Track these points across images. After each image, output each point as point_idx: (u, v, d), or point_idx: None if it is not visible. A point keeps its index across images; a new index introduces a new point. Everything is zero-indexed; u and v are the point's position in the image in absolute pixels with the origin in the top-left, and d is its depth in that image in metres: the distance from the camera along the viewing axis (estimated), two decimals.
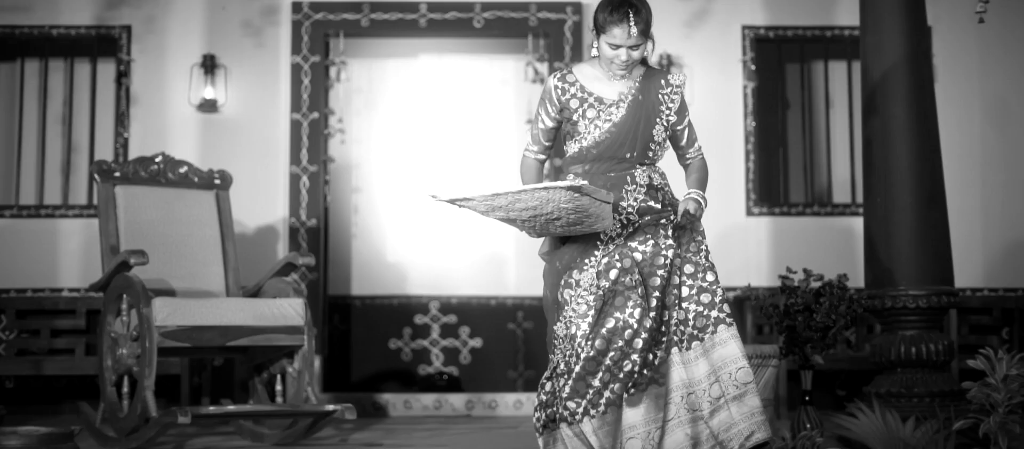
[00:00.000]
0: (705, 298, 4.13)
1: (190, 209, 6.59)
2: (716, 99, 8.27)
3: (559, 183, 3.79)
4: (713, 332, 4.12)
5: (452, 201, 3.88)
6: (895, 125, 5.55)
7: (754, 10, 8.37)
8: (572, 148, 4.21)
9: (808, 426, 5.37)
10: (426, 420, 7.63)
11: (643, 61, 4.22)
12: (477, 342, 8.77)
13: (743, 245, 8.13)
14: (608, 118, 4.14)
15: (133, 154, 7.94)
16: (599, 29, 4.09)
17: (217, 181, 6.77)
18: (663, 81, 4.21)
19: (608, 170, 4.16)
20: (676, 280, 4.12)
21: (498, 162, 8.82)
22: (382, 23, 8.35)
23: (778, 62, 8.53)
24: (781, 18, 8.37)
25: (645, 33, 4.07)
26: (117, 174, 6.45)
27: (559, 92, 4.19)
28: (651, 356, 4.05)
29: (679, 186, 4.39)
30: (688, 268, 4.14)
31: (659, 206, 4.17)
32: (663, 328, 4.09)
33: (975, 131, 8.34)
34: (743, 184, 8.23)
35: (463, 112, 8.91)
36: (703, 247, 4.20)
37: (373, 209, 8.85)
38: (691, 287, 4.13)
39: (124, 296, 5.93)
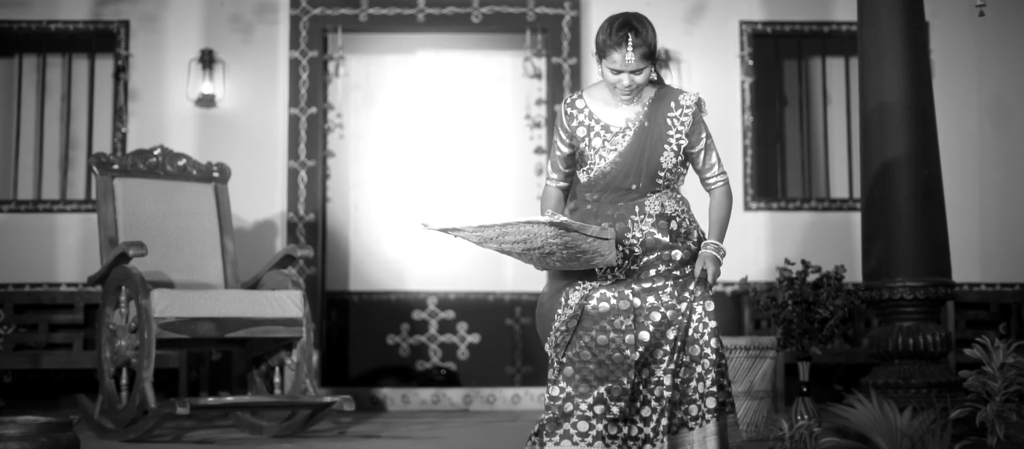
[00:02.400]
0: (701, 388, 3.83)
1: (188, 202, 6.60)
2: (714, 94, 8.27)
3: (540, 218, 3.61)
4: (703, 424, 3.83)
5: (444, 230, 3.73)
6: (892, 117, 5.56)
7: (752, 6, 8.38)
8: (582, 177, 3.97)
9: (805, 417, 5.38)
10: (424, 414, 7.63)
11: (658, 80, 3.96)
12: (475, 338, 8.77)
13: (741, 239, 8.14)
14: (613, 147, 3.88)
15: (131, 149, 7.94)
16: (600, 53, 3.83)
17: (215, 174, 6.78)
18: (673, 103, 3.90)
19: (616, 200, 3.91)
20: (678, 358, 3.82)
21: (496, 159, 8.82)
22: (380, 18, 8.36)
23: (775, 58, 8.54)
24: (779, 14, 8.38)
25: (648, 57, 3.79)
26: (115, 166, 6.46)
27: (568, 119, 3.95)
28: (635, 414, 3.79)
29: (700, 202, 4.11)
30: (694, 350, 3.83)
31: (667, 238, 3.88)
32: (643, 401, 3.80)
33: (973, 128, 8.35)
34: (741, 179, 8.24)
35: (461, 108, 8.91)
36: (711, 328, 3.85)
37: (371, 205, 8.85)
38: (691, 369, 3.83)
39: (123, 288, 5.94)
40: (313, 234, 8.16)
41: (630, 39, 3.75)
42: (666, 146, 3.88)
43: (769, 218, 8.27)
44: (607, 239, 3.71)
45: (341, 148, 8.71)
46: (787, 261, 5.81)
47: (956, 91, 8.33)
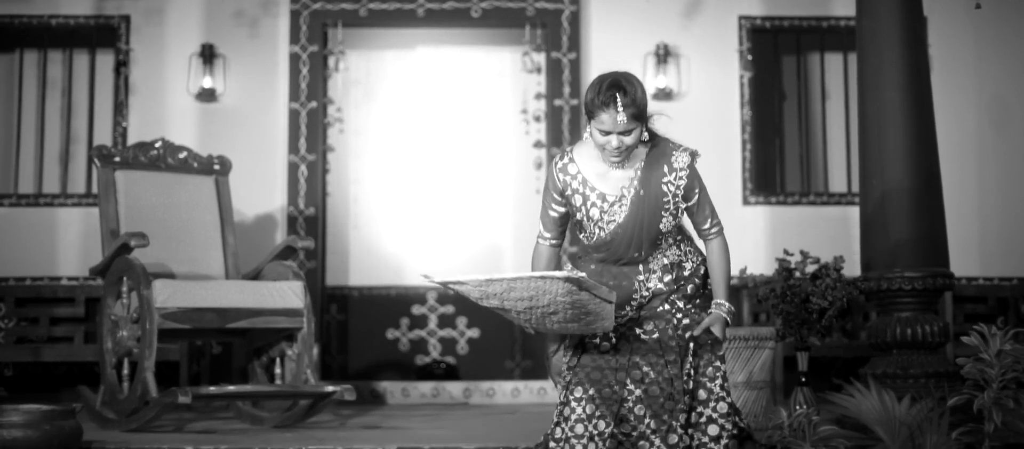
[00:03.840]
0: (712, 430, 3.82)
1: (190, 194, 6.62)
2: (712, 89, 8.31)
3: (557, 273, 3.54)
4: None
5: (445, 284, 3.64)
6: (890, 108, 5.59)
7: (751, 1, 8.40)
8: (582, 241, 3.94)
9: (804, 406, 5.40)
10: (423, 407, 7.65)
11: (651, 138, 3.86)
12: (474, 332, 8.79)
13: (740, 234, 8.16)
14: (612, 219, 3.84)
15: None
16: (588, 113, 3.74)
17: (216, 167, 6.80)
18: (666, 167, 3.82)
19: (621, 264, 3.89)
20: (690, 400, 3.82)
21: (495, 154, 8.84)
22: (380, 13, 8.38)
23: (774, 53, 8.57)
24: (777, 9, 8.41)
25: (638, 117, 3.70)
26: (117, 159, 6.48)
27: (561, 184, 3.88)
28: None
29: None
30: (701, 394, 3.85)
31: (673, 287, 3.90)
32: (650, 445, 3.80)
33: (971, 125, 8.38)
34: (739, 173, 8.27)
35: (460, 103, 8.93)
36: (721, 372, 3.88)
37: (371, 199, 8.87)
38: (701, 414, 3.83)
39: (124, 279, 5.96)
40: (313, 228, 8.18)
41: (619, 99, 3.67)
42: (664, 212, 3.84)
43: (768, 212, 8.29)
44: (611, 302, 3.69)
45: (341, 143, 8.73)
46: (786, 252, 5.84)
47: (955, 87, 8.35)
